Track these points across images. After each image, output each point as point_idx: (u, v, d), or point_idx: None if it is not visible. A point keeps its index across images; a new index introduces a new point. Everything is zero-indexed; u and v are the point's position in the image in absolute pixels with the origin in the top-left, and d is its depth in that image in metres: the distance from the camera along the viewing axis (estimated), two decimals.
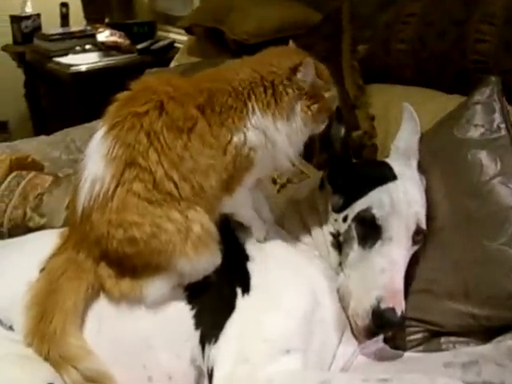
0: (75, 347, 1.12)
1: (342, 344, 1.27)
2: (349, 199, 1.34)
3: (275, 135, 1.16)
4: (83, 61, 3.34)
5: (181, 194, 1.12)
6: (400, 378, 1.10)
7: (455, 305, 1.29)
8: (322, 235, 1.38)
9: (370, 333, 1.25)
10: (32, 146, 2.33)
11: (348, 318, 1.29)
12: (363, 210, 1.30)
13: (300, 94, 1.17)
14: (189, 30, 2.83)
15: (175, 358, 1.17)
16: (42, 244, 1.27)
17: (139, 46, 3.50)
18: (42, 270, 1.21)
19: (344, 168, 1.38)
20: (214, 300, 1.21)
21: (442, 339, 1.32)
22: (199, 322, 1.19)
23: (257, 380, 1.09)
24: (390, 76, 1.97)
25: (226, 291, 1.22)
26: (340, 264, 1.34)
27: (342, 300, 1.30)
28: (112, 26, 3.73)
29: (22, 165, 1.78)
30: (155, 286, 1.16)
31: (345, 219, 1.34)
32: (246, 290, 1.22)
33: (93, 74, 3.29)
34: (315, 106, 1.18)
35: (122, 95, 1.18)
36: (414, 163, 1.41)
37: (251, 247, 1.30)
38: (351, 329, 1.29)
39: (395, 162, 1.39)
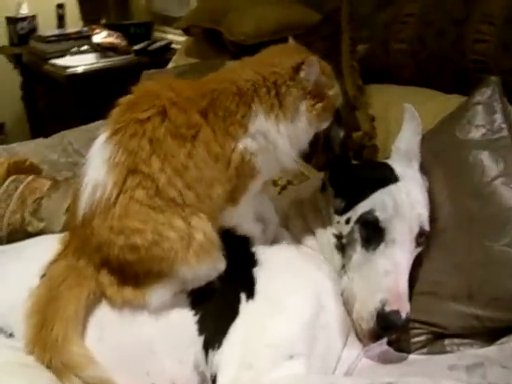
0: (77, 355, 1.11)
1: (346, 347, 1.27)
2: (351, 201, 1.33)
3: (276, 138, 1.15)
4: (80, 62, 3.34)
5: (185, 201, 1.11)
6: (405, 382, 1.09)
7: (459, 306, 1.28)
8: (326, 237, 1.37)
9: (375, 336, 1.24)
10: (29, 149, 2.33)
11: (352, 321, 1.28)
12: (366, 212, 1.29)
13: (304, 93, 1.15)
14: (186, 31, 2.82)
15: (178, 364, 1.17)
16: (42, 250, 1.26)
17: (136, 47, 3.50)
18: (43, 276, 1.20)
19: (345, 170, 1.37)
20: (218, 305, 1.20)
21: (446, 341, 1.31)
22: (202, 327, 1.18)
23: None
24: (390, 76, 1.96)
25: (230, 296, 1.21)
26: (343, 267, 1.33)
27: (346, 303, 1.30)
28: (109, 26, 3.72)
29: (19, 169, 1.77)
30: (157, 293, 1.15)
31: (347, 221, 1.33)
32: (251, 295, 1.21)
33: (89, 75, 3.28)
34: (320, 104, 1.17)
35: (123, 100, 1.17)
36: (416, 164, 1.40)
37: (260, 252, 1.29)
38: (355, 332, 1.28)
39: (397, 164, 1.38)
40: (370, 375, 1.20)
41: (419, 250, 1.32)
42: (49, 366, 1.10)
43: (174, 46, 3.50)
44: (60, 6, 3.84)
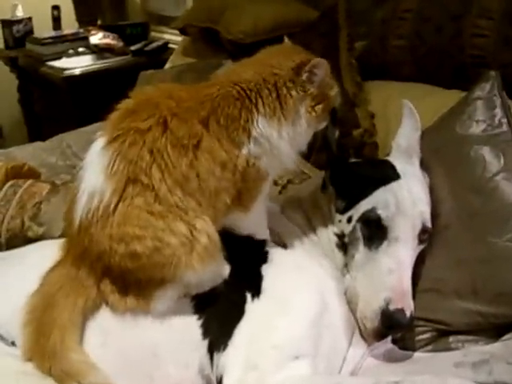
0: (78, 362, 1.10)
1: (351, 347, 1.26)
2: (352, 200, 1.33)
3: (278, 140, 1.14)
4: (77, 64, 3.32)
5: (187, 207, 1.09)
6: (411, 380, 1.09)
7: (463, 303, 1.28)
8: (327, 236, 1.37)
9: (380, 335, 1.24)
10: (27, 153, 2.32)
11: (356, 320, 1.28)
12: (368, 210, 1.29)
13: (304, 95, 1.15)
14: (183, 31, 2.80)
15: (183, 369, 1.16)
16: (43, 256, 1.24)
17: (133, 48, 3.47)
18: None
19: (345, 168, 1.36)
20: (223, 307, 1.19)
21: (451, 338, 1.31)
22: (207, 330, 1.17)
23: None
24: (388, 72, 1.96)
25: (234, 297, 1.20)
26: (345, 265, 1.33)
27: (350, 302, 1.29)
28: (105, 27, 3.71)
29: (18, 173, 1.75)
30: (161, 300, 1.14)
31: (349, 220, 1.33)
32: (257, 293, 1.20)
33: (87, 77, 3.26)
34: (319, 106, 1.16)
35: (122, 106, 1.16)
36: (417, 161, 1.39)
37: (273, 250, 1.29)
38: (360, 331, 1.28)
39: (397, 161, 1.38)
40: (375, 374, 1.20)
41: (422, 247, 1.32)
42: (49, 375, 1.09)
43: (171, 45, 3.48)
44: (55, 8, 3.80)
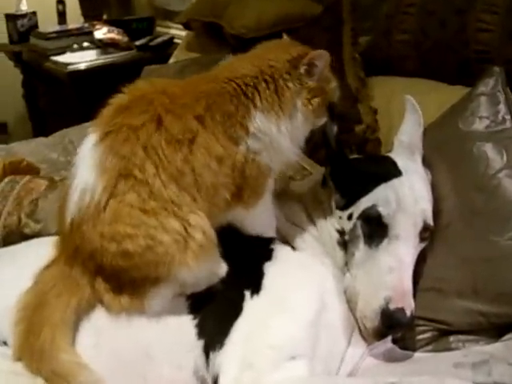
0: (68, 363, 1.08)
1: (350, 346, 1.25)
2: (353, 196, 1.31)
3: (278, 135, 1.12)
4: (81, 59, 3.30)
5: (181, 202, 1.07)
6: (408, 381, 1.07)
7: (464, 302, 1.26)
8: (328, 233, 1.35)
9: (380, 334, 1.22)
10: (29, 148, 2.30)
11: (356, 319, 1.26)
12: (368, 207, 1.27)
13: (301, 87, 1.13)
14: (187, 26, 2.78)
15: (177, 370, 1.14)
16: (37, 254, 1.22)
17: (138, 43, 3.45)
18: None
19: (345, 164, 1.34)
20: (219, 306, 1.18)
21: (451, 338, 1.29)
22: (202, 330, 1.15)
23: None
24: (392, 68, 1.93)
25: (232, 295, 1.18)
26: (346, 264, 1.31)
27: (350, 301, 1.27)
28: (110, 22, 3.68)
29: (16, 169, 1.74)
30: (156, 299, 1.12)
31: (349, 217, 1.31)
32: (256, 290, 1.19)
33: (91, 72, 3.25)
34: (316, 99, 1.14)
35: (115, 101, 1.14)
36: (419, 157, 1.37)
37: (278, 248, 1.28)
38: (359, 330, 1.26)
39: (399, 157, 1.36)
40: (374, 374, 1.19)
41: (423, 245, 1.29)
42: (37, 375, 1.07)
43: (176, 40, 3.45)
44: (60, 2, 3.78)
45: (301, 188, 1.49)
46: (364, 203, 1.28)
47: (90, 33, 3.54)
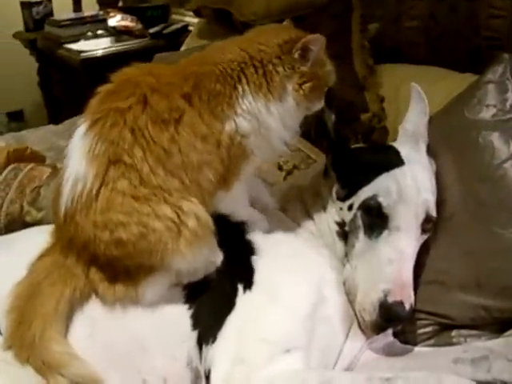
0: (58, 353, 1.07)
1: (348, 340, 1.22)
2: (354, 186, 1.28)
3: (268, 119, 1.10)
4: (94, 47, 3.29)
5: (170, 187, 1.05)
6: (404, 377, 1.04)
7: (467, 296, 1.23)
8: (327, 224, 1.32)
9: (378, 328, 1.18)
10: (38, 136, 2.32)
11: (355, 311, 1.23)
12: (369, 197, 1.24)
13: (292, 72, 1.10)
14: (198, 13, 2.75)
15: (171, 361, 1.12)
16: (34, 243, 1.21)
17: (151, 31, 3.43)
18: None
19: (346, 154, 1.31)
20: (214, 298, 1.16)
21: (453, 332, 1.26)
22: (197, 322, 1.14)
23: (255, 381, 1.04)
24: (402, 55, 1.89)
25: (226, 288, 1.16)
26: (346, 255, 1.28)
27: (349, 293, 1.24)
28: (125, 10, 3.67)
29: (21, 157, 1.74)
30: (151, 288, 1.11)
31: (350, 208, 1.28)
32: (248, 285, 1.16)
33: (104, 59, 3.23)
34: (307, 84, 1.11)
35: (102, 89, 1.12)
36: (423, 146, 1.34)
37: (258, 239, 1.24)
38: (358, 323, 1.23)
39: (403, 146, 1.32)
40: (370, 369, 1.16)
41: (425, 236, 1.26)
42: (27, 364, 1.06)
43: (190, 28, 3.43)
44: None
45: (303, 178, 1.46)
46: (365, 193, 1.25)
47: (104, 20, 3.54)
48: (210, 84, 1.08)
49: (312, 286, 1.20)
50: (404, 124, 1.37)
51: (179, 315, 1.14)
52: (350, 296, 1.24)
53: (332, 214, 1.31)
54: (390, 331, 1.20)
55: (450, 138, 1.35)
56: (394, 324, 1.19)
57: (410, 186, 1.23)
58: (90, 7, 3.84)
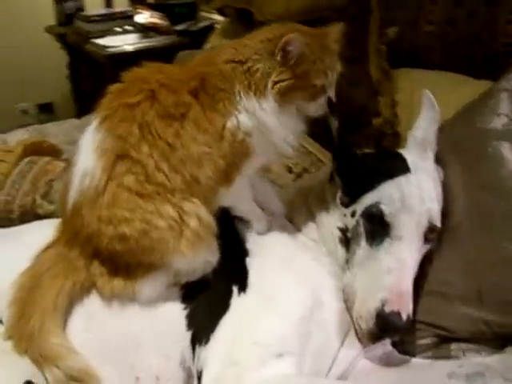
0: (56, 346, 1.09)
1: (344, 347, 1.21)
2: (357, 193, 1.26)
3: (264, 117, 1.09)
4: (121, 42, 3.30)
5: (173, 185, 1.07)
6: None
7: (468, 309, 1.21)
8: (330, 230, 1.31)
9: (374, 336, 1.17)
10: (61, 129, 2.35)
11: (352, 319, 1.22)
12: (371, 204, 1.22)
13: (272, 69, 1.09)
14: (221, 11, 2.75)
15: (164, 359, 1.13)
16: (42, 236, 1.23)
17: (178, 28, 3.44)
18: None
19: (351, 160, 1.30)
20: (209, 299, 1.16)
21: (453, 345, 1.23)
22: (191, 322, 1.14)
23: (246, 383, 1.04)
24: (419, 59, 1.85)
25: (222, 289, 1.17)
26: (347, 261, 1.26)
27: (347, 300, 1.23)
28: (153, 6, 3.68)
29: (37, 149, 1.77)
30: (149, 285, 1.12)
31: (353, 214, 1.26)
32: (243, 288, 1.17)
33: (130, 55, 3.24)
34: (283, 83, 1.09)
35: (113, 87, 1.15)
36: (431, 155, 1.31)
37: (252, 241, 1.25)
38: (355, 331, 1.22)
39: (410, 153, 1.30)
40: (363, 380, 1.14)
41: (429, 246, 1.24)
42: (26, 356, 1.08)
43: (217, 26, 3.43)
44: None
45: (311, 181, 1.45)
46: (367, 200, 1.24)
47: (133, 17, 3.55)
48: (214, 81, 1.09)
49: (307, 290, 1.19)
50: (413, 131, 1.35)
51: (175, 315, 1.15)
52: (348, 303, 1.23)
53: (335, 220, 1.30)
54: (388, 341, 1.18)
55: (459, 146, 1.32)
56: (389, 334, 1.17)
57: (414, 194, 1.21)
58: (121, 3, 3.86)
